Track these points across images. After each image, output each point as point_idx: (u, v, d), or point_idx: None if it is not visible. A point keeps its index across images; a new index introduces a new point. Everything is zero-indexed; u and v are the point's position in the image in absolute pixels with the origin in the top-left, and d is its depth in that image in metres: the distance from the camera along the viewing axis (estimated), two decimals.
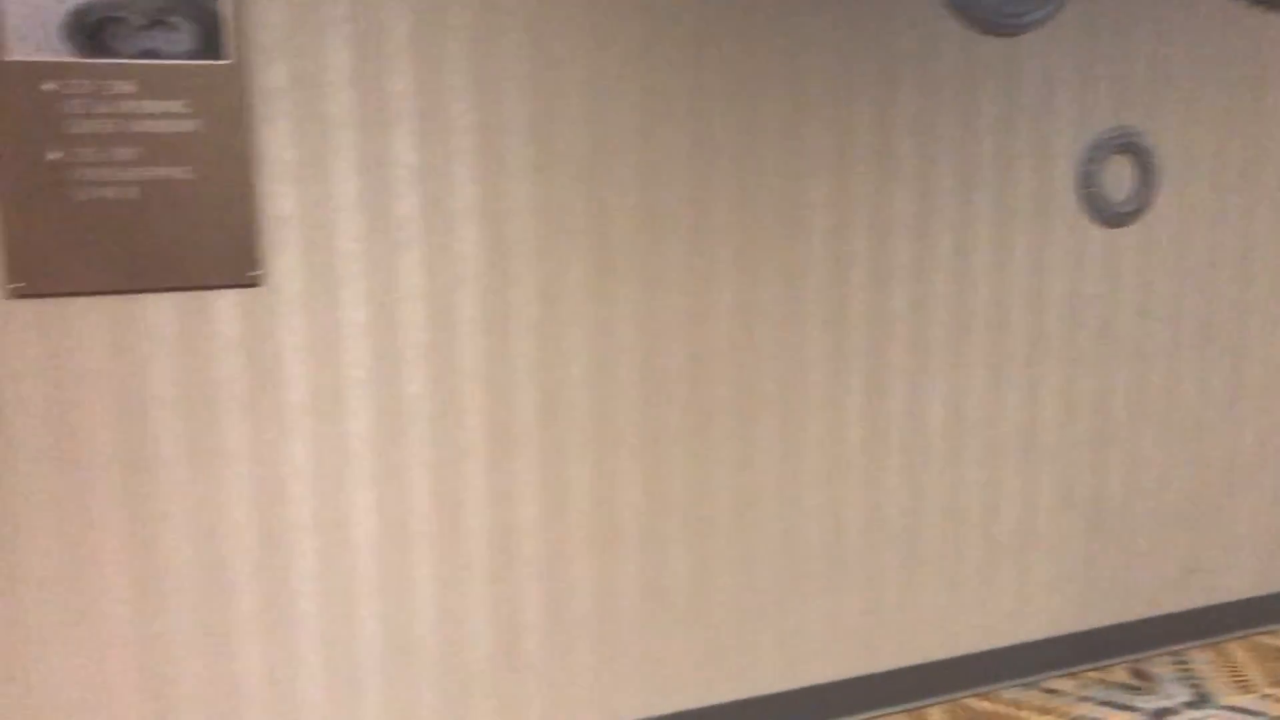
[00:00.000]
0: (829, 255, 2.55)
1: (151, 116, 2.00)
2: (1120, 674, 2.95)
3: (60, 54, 1.94)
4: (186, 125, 2.03)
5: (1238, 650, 3.09)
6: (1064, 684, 2.90)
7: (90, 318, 2.01)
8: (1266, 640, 3.15)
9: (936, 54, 2.59)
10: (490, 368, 2.29)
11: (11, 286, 1.96)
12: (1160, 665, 3.00)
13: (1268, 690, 2.85)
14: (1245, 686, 2.87)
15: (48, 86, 1.94)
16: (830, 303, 2.56)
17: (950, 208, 2.66)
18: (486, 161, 2.23)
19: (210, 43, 2.02)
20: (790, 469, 2.58)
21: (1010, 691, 2.86)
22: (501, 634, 2.37)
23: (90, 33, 1.95)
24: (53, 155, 1.96)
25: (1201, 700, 2.80)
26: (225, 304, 2.09)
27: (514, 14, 2.21)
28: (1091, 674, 2.96)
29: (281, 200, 2.11)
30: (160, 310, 2.05)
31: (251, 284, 2.10)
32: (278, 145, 2.09)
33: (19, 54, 1.91)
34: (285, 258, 2.12)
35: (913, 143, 2.59)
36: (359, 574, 2.25)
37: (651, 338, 2.41)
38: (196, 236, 2.05)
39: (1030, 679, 2.93)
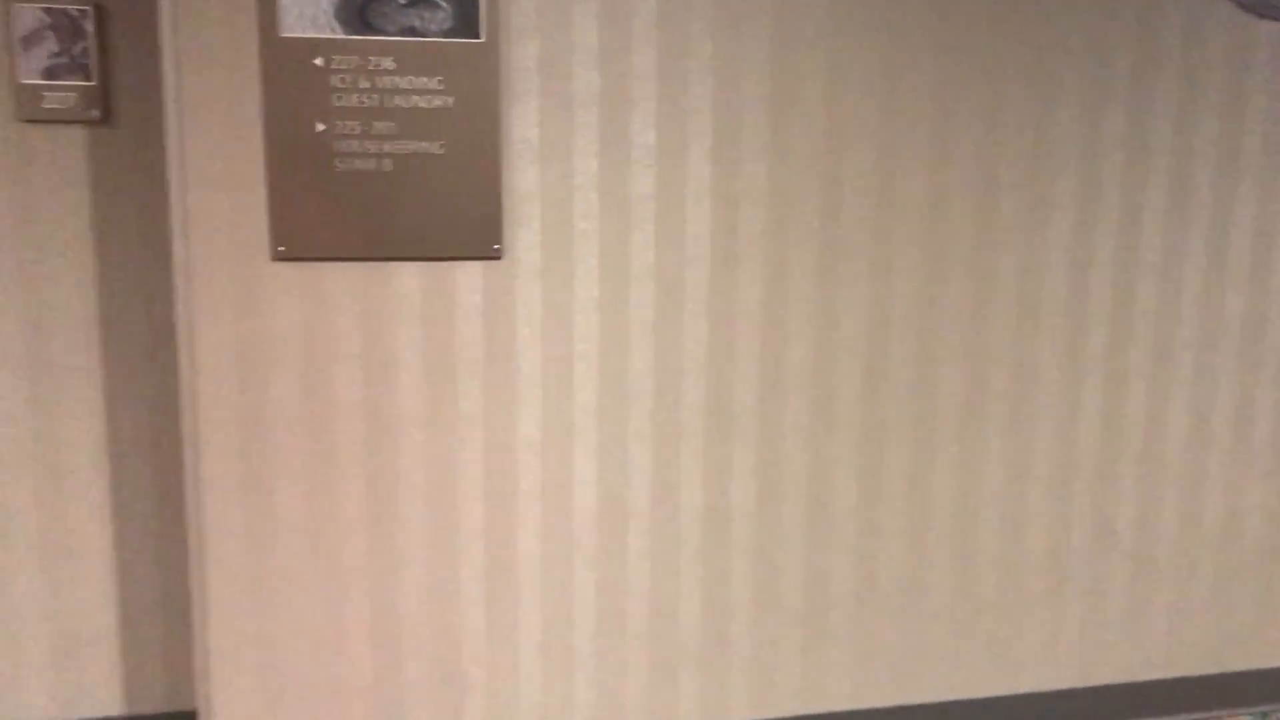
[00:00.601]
0: (1070, 251, 2.44)
1: (409, 92, 2.09)
2: None
3: (330, 31, 2.03)
4: (441, 101, 2.10)
5: None
6: None
7: (343, 282, 2.12)
8: None
9: (1200, 40, 2.42)
10: (713, 348, 2.29)
11: (278, 250, 2.08)
12: None
13: None
14: None
15: (317, 61, 2.04)
16: (1068, 300, 2.45)
17: (1208, 204, 2.50)
18: (721, 143, 2.23)
19: (467, 22, 2.08)
20: (1015, 470, 2.49)
21: None
22: (710, 614, 2.38)
23: (358, 11, 2.04)
24: (318, 127, 2.06)
25: None
26: (467, 275, 2.16)
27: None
28: None
29: (524, 177, 2.16)
30: (407, 278, 2.14)
31: (492, 256, 2.17)
32: (524, 123, 2.14)
33: (294, 31, 2.02)
34: (525, 232, 2.18)
35: (1170, 134, 2.44)
36: (577, 544, 2.30)
37: (877, 326, 2.36)
38: (444, 209, 2.13)
39: (1272, 707, 2.75)
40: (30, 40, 2.27)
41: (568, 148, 2.17)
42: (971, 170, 2.35)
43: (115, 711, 2.54)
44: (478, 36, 2.09)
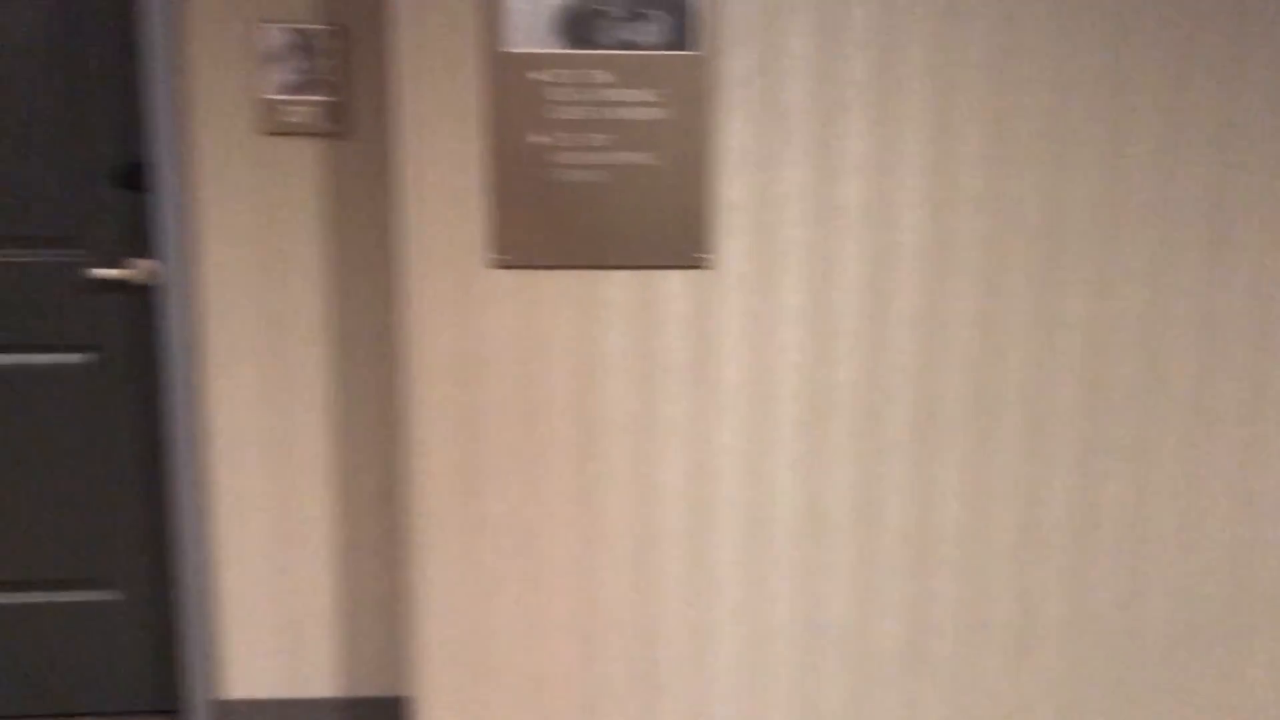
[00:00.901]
0: None
1: (624, 104, 2.12)
2: None
3: (549, 46, 2.09)
4: (655, 113, 2.13)
5: None
6: None
7: (556, 289, 2.18)
8: None
9: None
10: (921, 361, 2.24)
11: (494, 257, 2.15)
12: None
13: None
14: None
15: (535, 76, 2.10)
16: None
17: None
18: (935, 152, 2.18)
19: (681, 34, 2.10)
20: (1245, 493, 2.33)
21: None
22: (912, 632, 2.34)
23: (577, 25, 2.09)
24: (535, 139, 2.13)
25: None
26: (674, 283, 2.19)
27: (975, 2, 2.13)
28: None
29: (734, 187, 2.17)
30: (616, 286, 2.18)
31: (699, 265, 2.19)
32: (734, 133, 2.15)
33: (514, 46, 2.09)
34: (732, 242, 2.19)
35: None
36: (776, 555, 2.30)
37: (1099, 341, 2.26)
38: (654, 219, 2.16)
39: None
40: (274, 58, 2.43)
41: (778, 157, 2.16)
42: (1201, 181, 2.21)
43: (334, 693, 2.70)
44: (693, 48, 2.11)
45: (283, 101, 2.44)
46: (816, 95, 2.15)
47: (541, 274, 2.18)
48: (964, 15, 2.13)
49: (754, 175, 2.17)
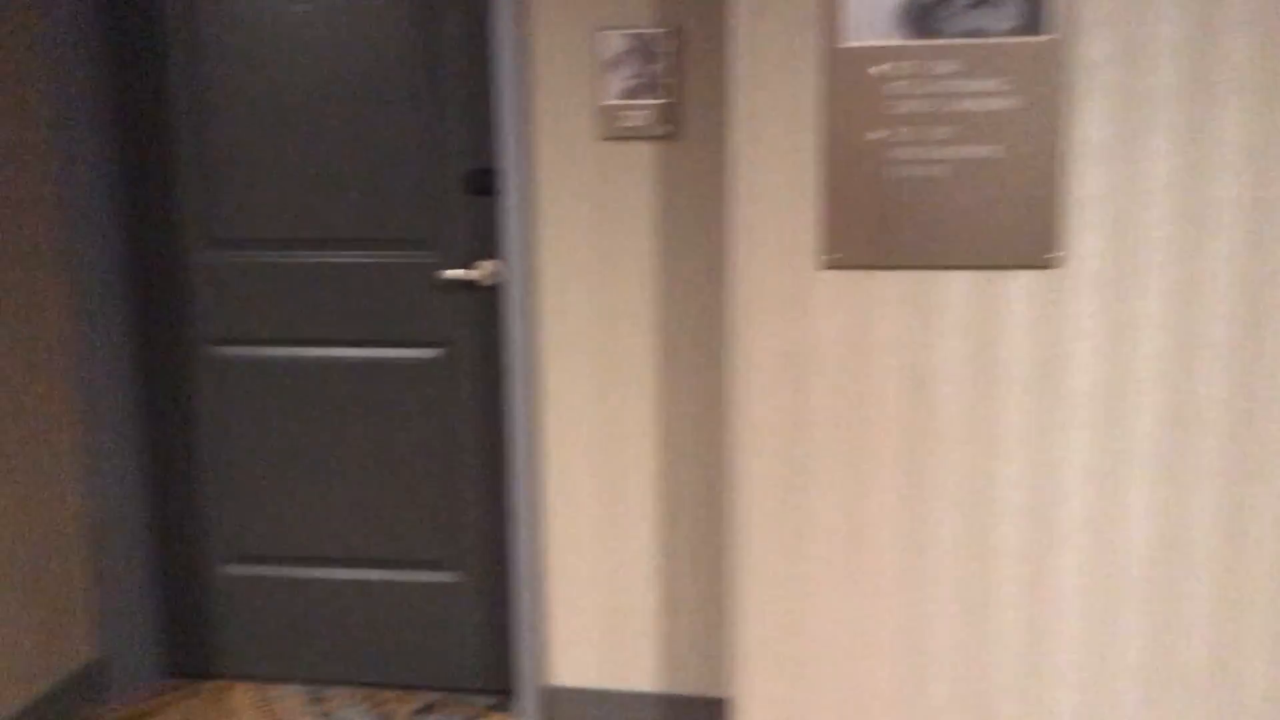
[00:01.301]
0: None
1: (970, 95, 2.02)
2: None
3: (890, 38, 2.02)
4: (1002, 103, 2.01)
5: None
6: None
7: (888, 291, 2.10)
8: None
9: None
10: None
11: (826, 258, 2.10)
12: None
13: None
14: None
15: (875, 70, 2.04)
16: None
17: None
18: None
19: (1033, 18, 1.97)
20: None
21: None
22: None
23: (919, 16, 2.00)
24: (873, 135, 2.06)
25: None
26: (1018, 285, 2.06)
27: None
28: None
29: (1087, 180, 2.01)
30: (953, 287, 2.08)
31: (1047, 265, 2.04)
32: (1090, 123, 1.99)
33: (854, 40, 2.03)
34: (1084, 240, 2.02)
35: None
36: (1126, 582, 2.10)
37: None
38: (998, 216, 2.04)
39: None
40: (613, 64, 2.50)
41: (1138, 147, 1.98)
42: None
43: (655, 688, 2.74)
44: (1046, 32, 1.97)
45: (620, 107, 2.50)
46: (1186, 79, 1.95)
47: (874, 275, 2.10)
48: None
49: (1112, 167, 2.00)
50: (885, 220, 2.08)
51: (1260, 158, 1.94)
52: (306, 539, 3.00)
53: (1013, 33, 1.98)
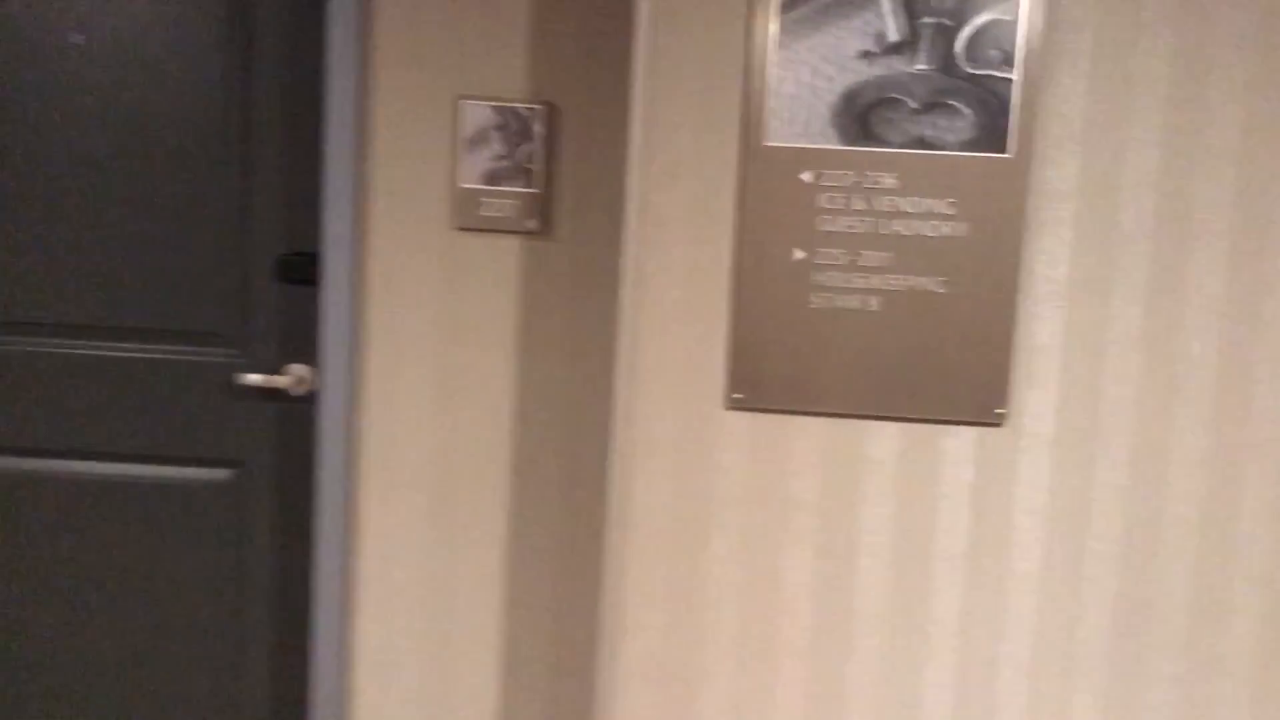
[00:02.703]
0: None
1: (913, 216, 1.68)
2: None
3: (824, 141, 1.67)
4: (949, 229, 1.68)
5: None
6: None
7: (806, 440, 1.72)
8: None
9: None
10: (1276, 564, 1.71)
11: (734, 397, 1.71)
12: None
13: None
14: None
15: (805, 176, 1.68)
16: None
17: None
18: None
19: (993, 132, 1.66)
20: None
21: None
22: None
23: (860, 117, 1.66)
24: (798, 254, 1.70)
25: None
26: (958, 443, 1.72)
27: None
28: None
29: (1043, 326, 1.70)
30: (882, 441, 1.72)
31: (993, 423, 1.71)
32: (1049, 259, 1.69)
33: (781, 139, 1.67)
34: (1038, 395, 1.71)
35: None
36: None
37: None
38: (938, 359, 1.70)
39: None
40: (475, 141, 2.06)
41: (1105, 292, 1.69)
42: None
43: None
44: (1004, 151, 1.66)
45: (479, 191, 2.06)
46: (1161, 216, 1.67)
47: (791, 420, 1.73)
48: None
49: (1072, 313, 1.69)
50: (807, 356, 1.71)
51: (1241, 311, 1.68)
52: (68, 698, 2.35)
53: (967, 147, 1.66)
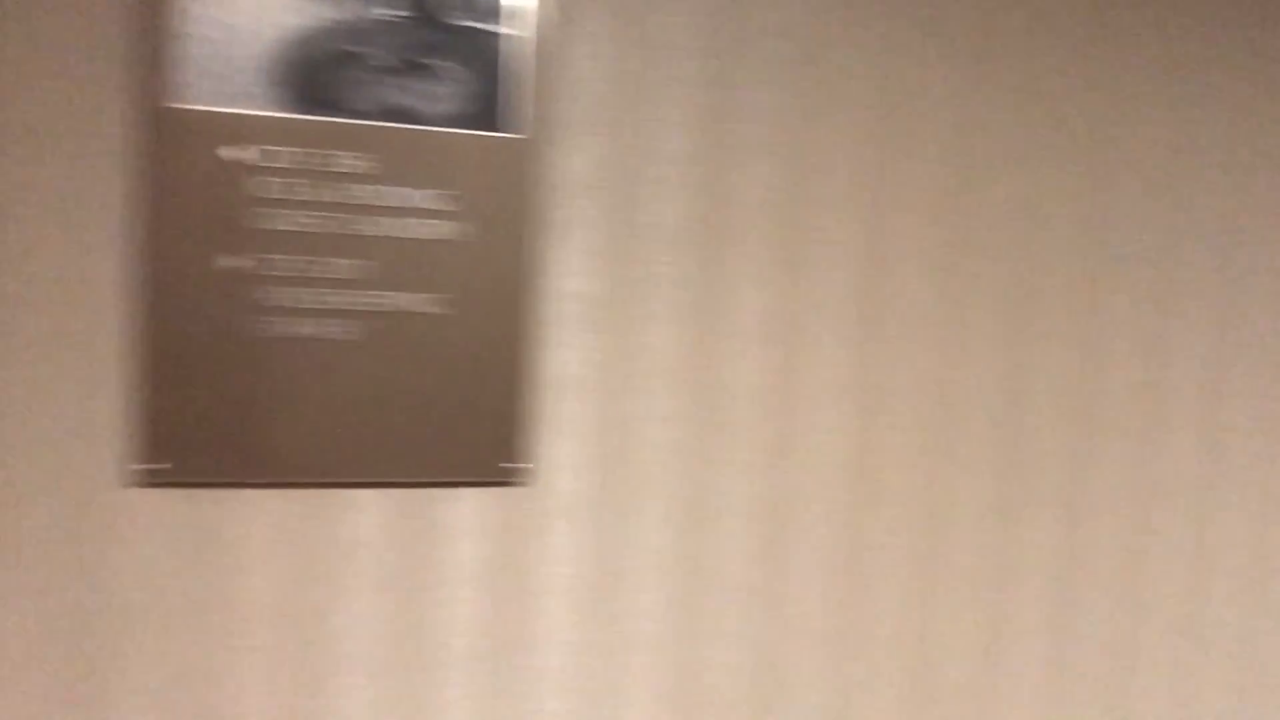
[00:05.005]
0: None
1: (392, 211, 1.24)
2: None
3: (257, 104, 1.18)
4: (446, 229, 1.25)
5: None
6: None
7: (252, 520, 1.24)
8: None
9: None
10: (836, 624, 1.44)
11: (144, 468, 1.19)
12: None
13: None
14: None
15: (230, 154, 1.18)
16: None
17: None
18: (861, 305, 1.41)
19: (485, 105, 1.24)
20: None
21: None
22: None
23: (308, 75, 1.19)
24: (227, 261, 1.20)
25: None
26: (462, 510, 1.30)
27: (921, 105, 1.40)
28: None
29: (567, 356, 1.31)
30: (362, 515, 1.27)
31: (506, 482, 1.30)
32: (572, 270, 1.31)
33: (194, 100, 1.16)
34: (562, 445, 1.32)
35: None
36: None
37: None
38: (435, 403, 1.27)
39: None
40: None
41: (641, 310, 1.33)
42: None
43: None
44: (507, 130, 1.25)
45: None
46: (699, 214, 1.34)
47: (235, 496, 1.23)
48: (912, 115, 1.39)
49: (601, 339, 1.32)
50: (249, 406, 1.22)
51: (782, 326, 1.38)
52: None
53: (462, 123, 1.24)
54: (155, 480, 1.21)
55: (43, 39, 1.14)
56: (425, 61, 1.22)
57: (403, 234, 1.24)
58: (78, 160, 1.16)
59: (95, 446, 1.19)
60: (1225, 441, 1.58)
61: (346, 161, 1.22)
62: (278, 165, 1.20)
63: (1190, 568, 1.59)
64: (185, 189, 1.18)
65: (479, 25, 1.22)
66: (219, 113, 1.17)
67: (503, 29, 1.23)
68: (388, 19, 1.20)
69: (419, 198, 1.24)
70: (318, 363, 1.23)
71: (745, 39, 1.32)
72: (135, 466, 1.19)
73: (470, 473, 1.30)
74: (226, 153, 1.18)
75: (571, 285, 1.30)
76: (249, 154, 1.19)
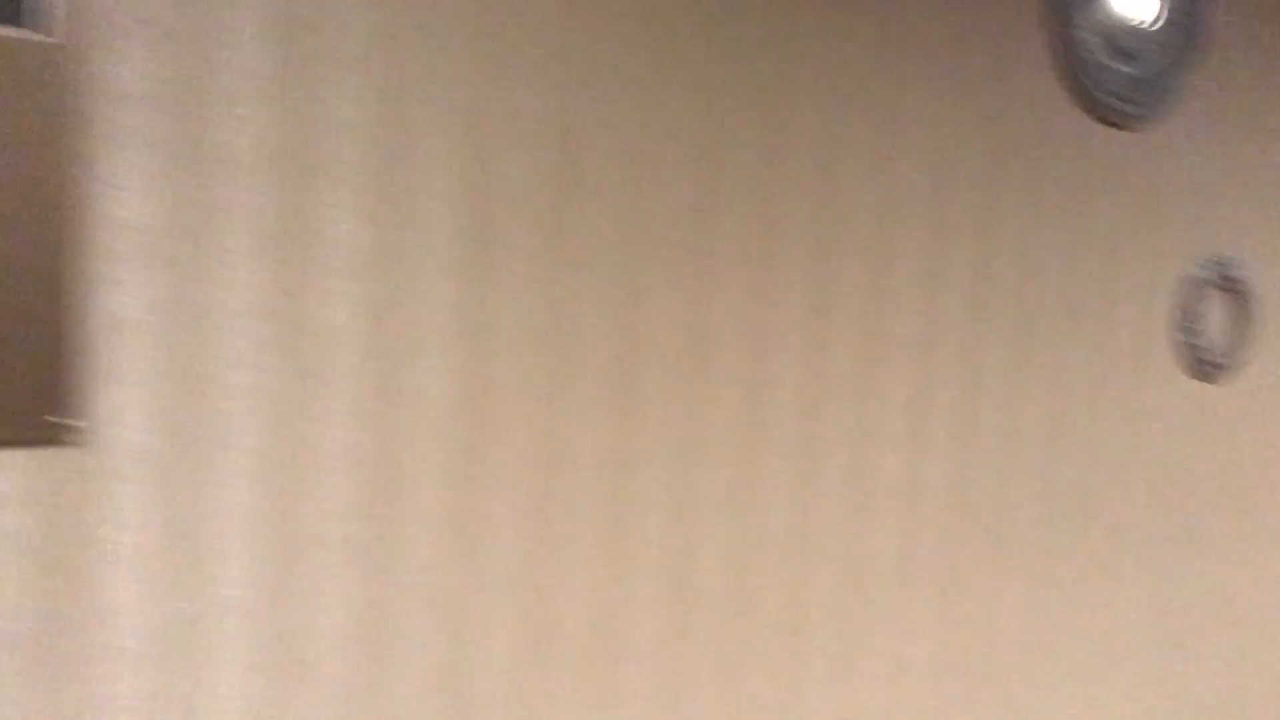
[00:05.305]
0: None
1: None
2: None
3: None
4: None
5: None
6: None
7: None
8: None
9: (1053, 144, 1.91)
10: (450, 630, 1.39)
11: None
12: None
13: None
14: None
15: None
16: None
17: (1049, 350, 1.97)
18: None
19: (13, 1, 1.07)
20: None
21: None
22: None
23: None
24: None
25: None
26: (1, 476, 1.12)
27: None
28: None
29: (125, 292, 1.16)
30: None
31: (55, 440, 1.14)
32: (126, 196, 1.16)
33: None
34: (121, 397, 1.17)
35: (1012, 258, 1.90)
36: None
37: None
38: None
39: None
40: None
41: (211, 243, 1.20)
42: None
43: None
44: (40, 30, 1.08)
45: None
46: (284, 131, 1.23)
47: None
48: (519, 31, 1.36)
49: (166, 274, 1.18)
50: None
51: (371, 255, 1.30)
52: None
53: None
54: None
55: None
56: None
57: None
58: None
59: None
60: (827, 389, 1.67)
61: None
62: None
63: (797, 502, 1.66)
64: None
65: None
66: None
67: None
68: None
69: None
70: None
71: None
72: None
73: (5, 431, 1.12)
74: None
75: (124, 214, 1.15)
76: None
